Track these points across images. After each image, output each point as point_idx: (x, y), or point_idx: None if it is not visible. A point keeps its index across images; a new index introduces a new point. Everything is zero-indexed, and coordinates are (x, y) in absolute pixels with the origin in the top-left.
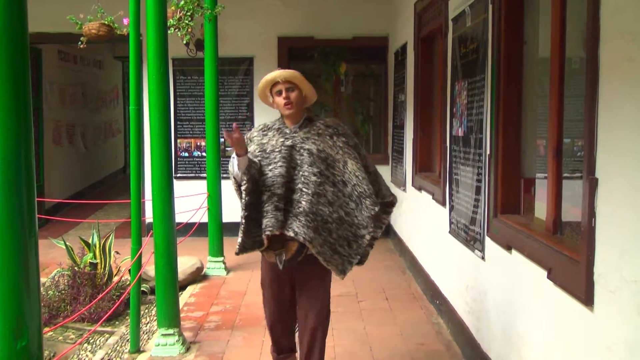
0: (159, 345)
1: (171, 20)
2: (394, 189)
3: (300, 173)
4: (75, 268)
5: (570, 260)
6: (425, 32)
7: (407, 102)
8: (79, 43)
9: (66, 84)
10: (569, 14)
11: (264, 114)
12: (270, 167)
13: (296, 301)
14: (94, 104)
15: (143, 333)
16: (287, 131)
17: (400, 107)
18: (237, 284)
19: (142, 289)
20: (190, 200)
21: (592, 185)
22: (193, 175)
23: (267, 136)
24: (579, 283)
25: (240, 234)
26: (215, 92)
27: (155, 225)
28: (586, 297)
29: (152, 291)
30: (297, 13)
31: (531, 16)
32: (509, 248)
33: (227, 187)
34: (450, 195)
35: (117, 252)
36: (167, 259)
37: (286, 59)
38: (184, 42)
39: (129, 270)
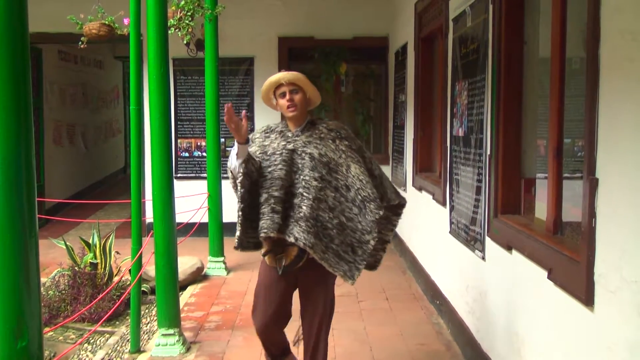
0: (159, 345)
1: (172, 20)
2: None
3: (301, 177)
4: (76, 268)
5: (570, 260)
6: (426, 32)
7: (408, 102)
8: (80, 43)
9: (66, 84)
10: (569, 14)
11: (265, 114)
12: (270, 169)
13: (299, 306)
14: (95, 104)
15: (143, 333)
16: (289, 134)
17: (401, 107)
18: (238, 284)
19: (142, 289)
20: (190, 200)
21: (593, 186)
22: (193, 175)
23: (269, 138)
24: (580, 283)
25: (238, 228)
26: (215, 92)
27: (156, 225)
28: (586, 298)
29: (153, 291)
30: (298, 13)
31: (531, 16)
32: (509, 248)
33: (228, 187)
34: (451, 195)
35: (118, 252)
36: (168, 259)
37: (286, 59)
38: (185, 42)
39: (130, 270)
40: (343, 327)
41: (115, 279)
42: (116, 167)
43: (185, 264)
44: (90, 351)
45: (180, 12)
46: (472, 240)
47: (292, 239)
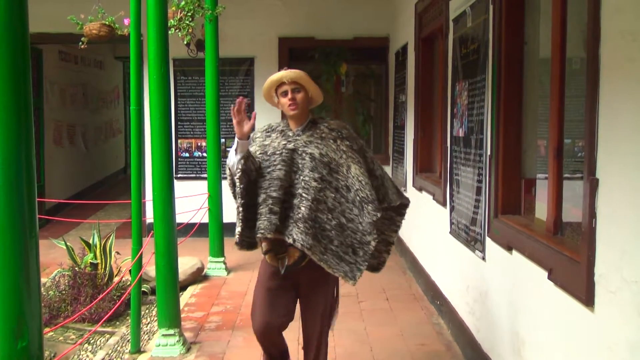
0: (159, 345)
1: (172, 20)
2: None
3: (301, 178)
4: (76, 268)
5: (570, 260)
6: (426, 33)
7: (408, 103)
8: (80, 43)
9: (67, 84)
10: (569, 15)
11: (265, 114)
12: (269, 170)
13: (300, 307)
14: (95, 104)
15: (144, 333)
16: (290, 134)
17: (401, 108)
18: (238, 284)
19: (142, 289)
20: (190, 200)
21: (593, 186)
22: (194, 175)
23: (269, 137)
24: (580, 283)
25: (238, 224)
26: (216, 92)
27: (156, 225)
28: (587, 298)
29: (153, 291)
30: (298, 13)
31: (532, 17)
32: (509, 248)
33: (228, 188)
34: (451, 195)
35: (118, 253)
36: (168, 259)
37: (287, 60)
38: (185, 42)
39: (130, 270)
40: (343, 328)
41: (116, 279)
42: (116, 168)
43: (186, 264)
44: (90, 351)
45: (180, 13)
46: (472, 241)
47: (290, 240)
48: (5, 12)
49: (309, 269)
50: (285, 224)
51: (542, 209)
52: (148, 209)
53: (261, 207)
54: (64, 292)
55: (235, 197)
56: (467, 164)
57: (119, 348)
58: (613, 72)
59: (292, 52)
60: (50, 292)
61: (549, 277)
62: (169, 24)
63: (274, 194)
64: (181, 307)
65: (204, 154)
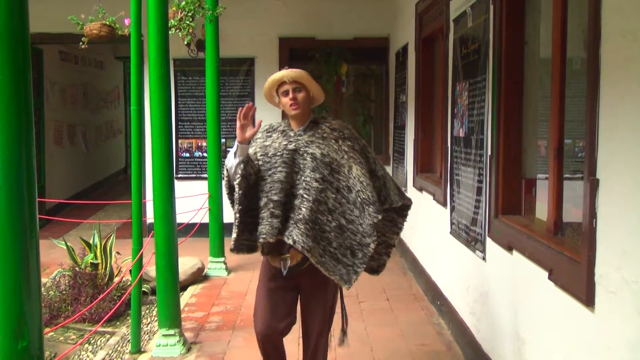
0: (159, 345)
1: (172, 20)
2: None
3: (302, 178)
4: (76, 268)
5: (571, 261)
6: (427, 33)
7: (408, 103)
8: (80, 43)
9: (67, 84)
10: (570, 15)
11: (265, 115)
12: (270, 172)
13: (301, 308)
14: (95, 105)
15: (144, 333)
16: (291, 134)
17: (401, 108)
18: (238, 284)
19: (143, 289)
20: (191, 200)
21: (593, 186)
22: (194, 175)
23: (270, 138)
24: (580, 284)
25: (234, 230)
26: (216, 92)
27: (156, 225)
28: (587, 298)
29: (153, 292)
30: (298, 13)
31: (532, 17)
32: (510, 249)
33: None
34: (451, 195)
35: (118, 253)
36: (168, 259)
37: (287, 60)
38: (185, 42)
39: (130, 270)
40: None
41: (116, 279)
42: (117, 168)
43: (186, 264)
44: (90, 351)
45: (180, 13)
46: (472, 241)
47: (290, 241)
48: (5, 12)
49: (310, 271)
50: (286, 224)
51: (542, 209)
52: (148, 209)
53: (263, 211)
54: (64, 292)
55: (231, 200)
56: (467, 164)
57: (119, 348)
58: (613, 72)
59: (292, 52)
60: (50, 292)
61: (550, 277)
62: (169, 24)
63: (275, 197)
64: (181, 307)
65: (205, 154)
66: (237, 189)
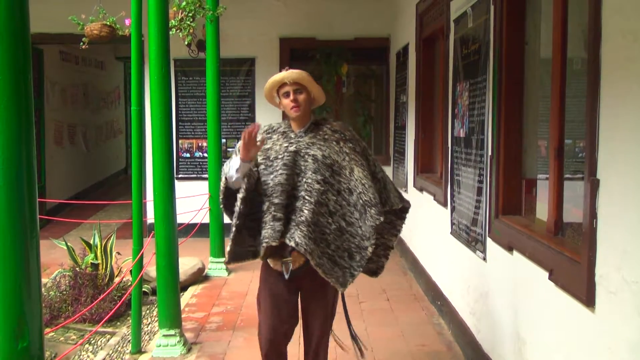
0: (160, 346)
1: (173, 21)
2: None
3: (304, 180)
4: (77, 269)
5: (571, 261)
6: (427, 33)
7: (409, 103)
8: (81, 44)
9: (68, 85)
10: (570, 15)
11: (266, 115)
12: (271, 176)
13: (301, 310)
14: (96, 105)
15: (144, 334)
16: (292, 135)
17: (402, 108)
18: (239, 284)
19: (143, 289)
20: (191, 201)
21: (594, 186)
22: (195, 176)
23: (271, 140)
24: (580, 284)
25: (230, 243)
26: (216, 92)
27: (157, 225)
28: (587, 298)
29: (154, 292)
30: (299, 14)
31: (533, 17)
32: (510, 249)
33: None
34: (452, 196)
35: (119, 253)
36: (169, 259)
37: (288, 60)
38: (186, 42)
39: (130, 271)
40: (344, 328)
41: (116, 279)
42: (117, 168)
43: (186, 264)
44: (91, 352)
45: (181, 13)
46: (473, 241)
47: (292, 244)
48: (5, 12)
49: (311, 273)
50: (287, 226)
51: (542, 210)
52: (149, 209)
53: (265, 214)
54: (64, 292)
55: (226, 207)
56: (468, 164)
57: (119, 348)
58: (614, 73)
59: (293, 52)
60: (51, 293)
61: (550, 278)
62: (170, 25)
63: (276, 200)
64: (182, 307)
65: (205, 155)
66: (239, 204)
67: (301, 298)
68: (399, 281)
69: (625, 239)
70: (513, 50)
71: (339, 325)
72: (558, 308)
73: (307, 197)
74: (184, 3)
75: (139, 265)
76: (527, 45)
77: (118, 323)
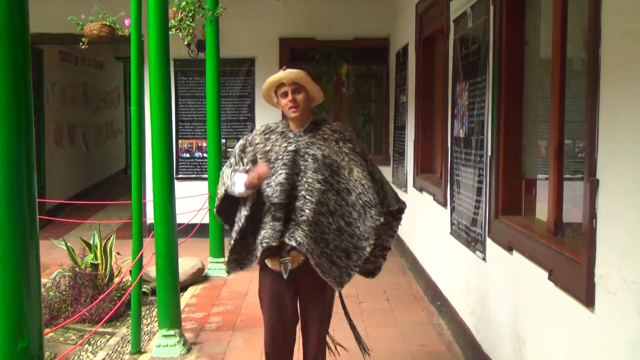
0: (160, 346)
1: (172, 21)
2: (396, 191)
3: (304, 180)
4: (77, 269)
5: (571, 261)
6: (427, 33)
7: (409, 103)
8: (81, 44)
9: (67, 85)
10: (570, 15)
11: (266, 115)
12: (272, 178)
13: (300, 310)
14: (95, 105)
15: (144, 334)
16: (291, 135)
17: (402, 108)
18: (238, 285)
19: (143, 289)
20: (191, 201)
21: (593, 187)
22: (194, 176)
23: (269, 141)
24: (580, 284)
25: (231, 253)
26: (216, 93)
27: (157, 226)
28: (587, 298)
29: (153, 292)
30: (299, 14)
31: (532, 17)
32: (510, 249)
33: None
34: (452, 196)
35: (118, 253)
36: (168, 259)
37: (287, 60)
38: (185, 43)
39: (130, 271)
40: (345, 328)
41: (116, 279)
42: (117, 168)
43: (186, 264)
44: (90, 352)
45: (181, 13)
46: (472, 241)
47: (293, 243)
48: (5, 12)
49: (310, 272)
50: (287, 226)
51: (542, 210)
52: (148, 210)
53: (265, 215)
54: (64, 292)
55: (219, 214)
56: (467, 164)
57: (119, 349)
58: (613, 73)
59: (292, 52)
60: (50, 293)
61: (550, 278)
62: (169, 25)
63: (276, 200)
64: (182, 307)
65: (205, 155)
66: (243, 221)
67: (300, 298)
68: (398, 281)
69: (624, 239)
70: (513, 50)
71: (340, 326)
72: (558, 308)
73: (308, 197)
74: (183, 3)
75: (139, 265)
76: (526, 45)
77: (118, 323)
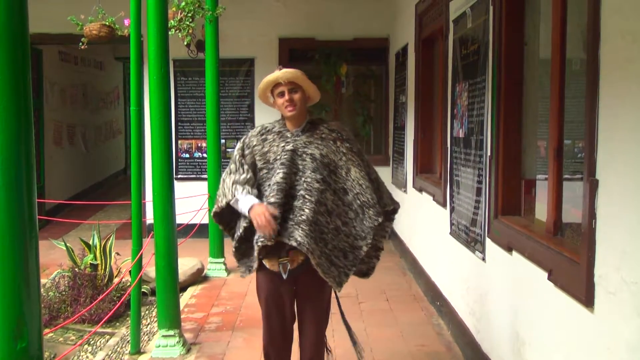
0: (159, 346)
1: (172, 21)
2: (395, 191)
3: (303, 179)
4: (76, 269)
5: (570, 261)
6: (426, 34)
7: (408, 104)
8: (80, 44)
9: (67, 85)
10: (569, 15)
11: (265, 115)
12: (272, 178)
13: (297, 310)
14: (95, 105)
15: (144, 334)
16: (289, 135)
17: (401, 108)
18: (238, 285)
19: (142, 290)
20: (191, 201)
21: (593, 187)
22: (194, 176)
23: (267, 141)
24: (580, 284)
25: (237, 260)
26: (216, 93)
27: (156, 226)
28: (586, 299)
29: (153, 292)
30: (298, 14)
31: (532, 17)
32: (509, 249)
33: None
34: (451, 196)
35: (118, 254)
36: (168, 260)
37: (287, 60)
38: (185, 43)
39: (130, 271)
40: (343, 328)
41: (116, 280)
42: (116, 168)
43: (186, 265)
44: (90, 352)
45: (180, 13)
46: (472, 242)
47: (293, 243)
48: (5, 12)
49: (308, 272)
50: (285, 226)
51: (542, 210)
52: (148, 210)
53: None
54: (63, 293)
55: (215, 217)
56: (467, 164)
57: (118, 349)
58: (613, 73)
59: (292, 52)
60: (50, 293)
61: (549, 278)
62: (169, 25)
63: (272, 200)
64: (181, 308)
65: (204, 155)
66: (240, 230)
67: (297, 299)
68: (398, 281)
69: (624, 239)
70: (512, 50)
71: (340, 326)
72: (557, 308)
73: (307, 196)
74: (183, 3)
75: (138, 265)
76: (526, 45)
77: (117, 324)
